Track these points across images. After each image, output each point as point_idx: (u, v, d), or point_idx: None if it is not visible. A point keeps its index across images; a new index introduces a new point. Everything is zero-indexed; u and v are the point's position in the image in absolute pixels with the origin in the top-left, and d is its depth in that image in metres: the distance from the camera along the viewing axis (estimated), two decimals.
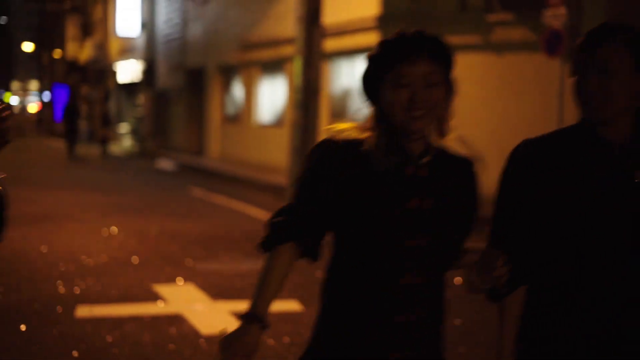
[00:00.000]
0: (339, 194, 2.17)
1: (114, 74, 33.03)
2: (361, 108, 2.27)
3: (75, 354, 5.22)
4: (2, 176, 3.24)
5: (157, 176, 19.39)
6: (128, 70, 30.81)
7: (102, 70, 34.96)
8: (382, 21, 13.83)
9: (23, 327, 5.76)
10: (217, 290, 6.89)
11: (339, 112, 15.95)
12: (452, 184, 2.27)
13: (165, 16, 26.95)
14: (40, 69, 55.47)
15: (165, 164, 22.49)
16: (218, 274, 7.59)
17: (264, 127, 19.98)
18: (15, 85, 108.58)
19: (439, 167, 2.26)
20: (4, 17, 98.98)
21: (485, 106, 13.05)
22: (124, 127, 31.46)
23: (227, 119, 22.67)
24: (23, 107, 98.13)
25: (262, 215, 11.44)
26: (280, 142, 16.95)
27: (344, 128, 2.23)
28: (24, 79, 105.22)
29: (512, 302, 2.35)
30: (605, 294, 2.21)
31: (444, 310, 2.30)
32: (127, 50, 31.16)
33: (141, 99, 29.41)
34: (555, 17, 11.10)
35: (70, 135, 24.83)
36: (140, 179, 18.44)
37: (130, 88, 31.39)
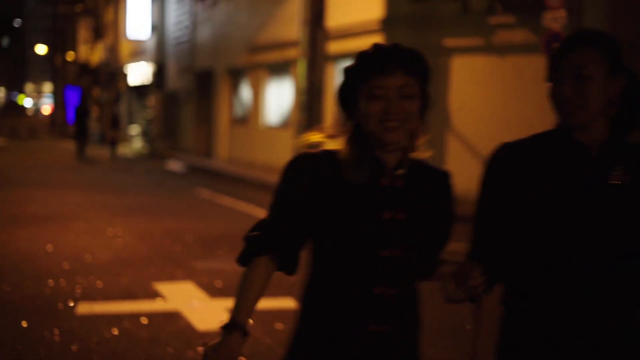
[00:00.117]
0: (315, 205, 2.19)
1: (124, 76, 33.28)
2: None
3: (74, 349, 5.38)
4: None
5: (165, 177, 19.59)
6: (139, 73, 31.06)
7: (113, 73, 35.24)
8: (386, 24, 13.97)
9: (24, 323, 5.94)
10: (216, 288, 7.05)
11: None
12: (427, 195, 2.28)
13: (175, 19, 27.18)
14: (54, 71, 55.86)
15: (175, 165, 22.70)
16: (218, 273, 7.75)
17: (271, 129, 20.15)
18: (29, 87, 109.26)
19: (414, 179, 2.27)
20: (18, 20, 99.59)
21: (487, 107, 13.16)
22: (134, 129, 31.70)
23: (235, 120, 22.86)
24: (37, 109, 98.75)
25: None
26: (287, 144, 17.11)
27: (319, 140, 2.29)
28: (38, 81, 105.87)
29: (488, 301, 2.34)
30: (584, 293, 2.24)
31: (418, 321, 2.32)
32: (137, 52, 31.42)
33: (151, 101, 29.65)
34: (554, 19, 11.23)
35: (80, 136, 25.11)
36: (149, 180, 18.64)
37: (140, 90, 31.64)
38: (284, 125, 19.27)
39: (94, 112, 36.15)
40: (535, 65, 12.30)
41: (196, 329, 5.89)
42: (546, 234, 2.24)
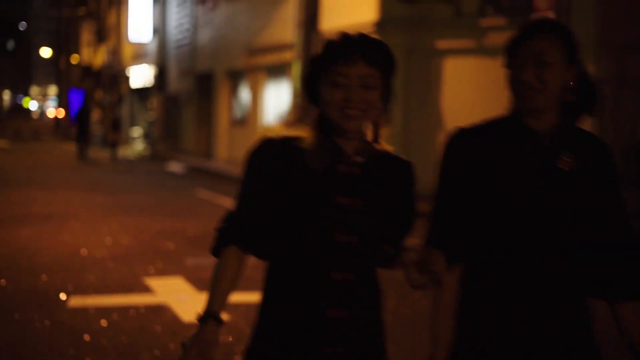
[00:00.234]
0: (275, 191, 2.22)
1: (127, 78, 33.55)
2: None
3: (65, 341, 5.59)
4: None
5: (165, 178, 19.81)
6: (140, 75, 31.31)
7: (115, 75, 35.51)
8: (380, 26, 14.18)
9: (17, 316, 6.16)
10: (204, 283, 7.27)
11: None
12: (386, 184, 2.30)
13: (176, 22, 27.43)
14: (58, 74, 56.19)
15: (175, 166, 22.94)
16: (207, 268, 7.92)
17: (270, 130, 20.40)
18: (34, 90, 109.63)
19: (374, 167, 2.29)
20: (23, 23, 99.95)
21: (478, 107, 13.34)
22: (136, 131, 31.95)
23: (234, 122, 23.09)
24: (42, 112, 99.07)
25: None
26: None
27: (280, 129, 2.46)
28: (43, 84, 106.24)
29: (448, 283, 2.38)
30: (535, 277, 2.30)
31: (379, 308, 2.33)
32: (139, 55, 31.68)
33: (153, 103, 29.89)
34: None
35: (81, 138, 25.38)
36: (149, 181, 18.86)
37: (142, 92, 31.89)
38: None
39: (97, 114, 36.42)
40: None
41: (182, 321, 6.11)
42: (499, 218, 2.30)
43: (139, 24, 30.10)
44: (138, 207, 13.24)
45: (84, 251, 8.90)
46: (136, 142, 31.24)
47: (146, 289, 7.16)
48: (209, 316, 2.20)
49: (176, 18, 27.48)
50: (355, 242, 2.21)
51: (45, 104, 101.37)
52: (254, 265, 2.57)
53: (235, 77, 22.96)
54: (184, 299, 6.78)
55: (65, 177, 19.01)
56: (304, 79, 2.31)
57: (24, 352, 5.32)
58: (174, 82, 27.67)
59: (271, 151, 2.26)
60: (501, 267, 2.31)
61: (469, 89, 13.47)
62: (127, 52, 33.73)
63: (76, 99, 39.27)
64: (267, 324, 2.27)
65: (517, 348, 2.31)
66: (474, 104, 13.34)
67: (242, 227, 2.26)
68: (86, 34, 43.53)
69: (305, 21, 13.11)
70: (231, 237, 2.27)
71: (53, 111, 65.49)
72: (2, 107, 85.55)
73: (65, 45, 50.16)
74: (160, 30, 28.98)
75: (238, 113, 22.99)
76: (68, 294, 6.85)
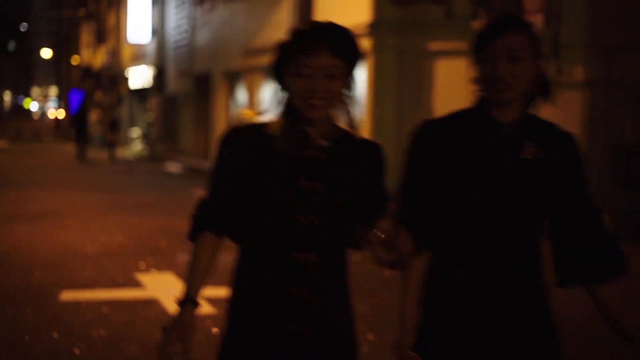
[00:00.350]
0: (244, 176, 2.29)
1: (126, 79, 33.72)
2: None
3: (55, 333, 5.75)
4: None
5: (163, 178, 19.98)
6: (139, 76, 31.48)
7: (115, 76, 35.68)
8: (373, 28, 14.34)
9: (10, 309, 6.33)
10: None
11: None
12: (354, 167, 2.36)
13: (175, 23, 27.59)
14: (59, 75, 56.38)
15: (173, 166, 23.11)
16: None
17: None
18: (35, 91, 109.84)
19: (340, 151, 2.35)
20: (24, 24, 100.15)
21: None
22: (135, 132, 32.12)
23: (232, 123, 23.26)
24: (43, 113, 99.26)
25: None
26: None
27: (250, 114, 2.58)
28: (44, 85, 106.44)
29: (415, 269, 2.43)
30: (500, 262, 2.36)
31: (345, 288, 2.40)
32: (138, 56, 31.84)
33: (152, 103, 30.07)
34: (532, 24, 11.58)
35: (80, 139, 25.56)
36: (146, 181, 19.03)
37: (141, 93, 32.05)
38: None
39: (97, 115, 36.59)
40: None
41: (170, 313, 6.28)
42: (464, 207, 2.36)
43: (137, 25, 30.27)
44: (134, 206, 13.41)
45: (78, 248, 9.08)
46: (135, 143, 31.42)
47: (137, 284, 7.33)
48: (186, 300, 2.28)
49: (175, 19, 27.65)
50: (317, 223, 2.27)
51: (46, 105, 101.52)
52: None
53: (232, 78, 23.13)
54: (173, 293, 6.94)
55: (63, 177, 19.19)
56: (273, 67, 2.35)
57: (16, 344, 5.48)
58: (173, 83, 27.84)
59: (239, 138, 2.33)
60: (466, 254, 2.38)
61: (460, 90, 13.58)
62: (126, 53, 33.90)
63: (76, 100, 39.45)
64: (238, 306, 2.35)
65: (480, 333, 2.37)
66: (464, 105, 13.49)
67: (215, 213, 2.33)
68: (86, 35, 43.71)
69: (299, 23, 13.27)
70: (205, 223, 2.34)
71: (54, 112, 65.64)
72: (3, 108, 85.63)
73: (65, 46, 50.35)
74: (159, 31, 29.15)
75: (235, 114, 23.16)
76: (60, 289, 7.02)
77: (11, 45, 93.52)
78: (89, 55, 42.38)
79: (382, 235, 2.22)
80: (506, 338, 2.38)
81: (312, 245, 2.29)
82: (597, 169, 12.35)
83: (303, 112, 2.27)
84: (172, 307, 6.43)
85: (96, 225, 10.89)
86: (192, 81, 25.62)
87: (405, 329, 2.42)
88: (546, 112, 8.40)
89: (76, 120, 26.34)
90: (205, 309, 6.01)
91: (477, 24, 13.44)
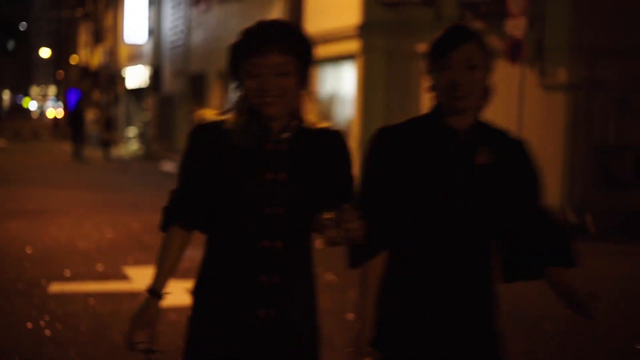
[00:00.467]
0: (209, 170, 2.38)
1: (123, 79, 33.97)
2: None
3: (42, 323, 6.00)
4: None
5: (157, 177, 20.22)
6: (136, 76, 31.73)
7: (112, 76, 35.93)
8: (363, 29, 14.60)
9: (0, 301, 6.59)
10: (179, 271, 7.66)
11: (326, 114, 16.70)
12: (315, 157, 2.43)
13: (171, 24, 27.85)
14: (57, 74, 56.64)
15: (168, 166, 23.34)
16: (185, 258, 8.37)
17: None
18: (34, 90, 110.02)
19: (301, 142, 2.42)
20: (24, 23, 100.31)
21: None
22: (132, 131, 32.38)
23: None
24: (42, 112, 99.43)
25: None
26: None
27: (212, 114, 2.44)
28: (43, 84, 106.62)
29: (374, 270, 2.50)
30: (454, 262, 2.45)
31: (310, 273, 2.48)
32: (135, 56, 32.10)
33: (148, 103, 30.31)
34: (516, 27, 11.78)
35: (76, 137, 25.84)
36: (141, 180, 19.28)
37: (138, 93, 32.30)
38: None
39: (94, 114, 36.83)
40: (501, 70, 12.87)
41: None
42: (421, 210, 2.44)
43: (134, 25, 30.53)
44: (127, 204, 13.66)
45: (69, 243, 9.35)
46: (131, 142, 31.66)
47: (124, 277, 7.59)
48: (152, 293, 2.45)
49: (171, 20, 27.90)
50: (282, 212, 2.35)
51: (45, 104, 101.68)
52: None
53: (226, 78, 23.29)
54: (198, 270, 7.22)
55: (59, 175, 19.44)
56: (228, 66, 2.41)
57: (5, 333, 5.73)
58: (169, 83, 28.10)
59: (204, 134, 2.42)
60: (423, 255, 2.46)
61: None
62: (123, 53, 34.15)
63: (74, 99, 39.68)
64: (208, 294, 2.43)
65: (435, 331, 2.46)
66: None
67: (183, 208, 2.45)
68: (84, 35, 43.97)
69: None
70: (174, 216, 2.47)
71: (53, 111, 65.88)
72: (2, 107, 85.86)
73: (64, 46, 50.58)
74: (155, 31, 29.40)
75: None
76: (50, 281, 7.29)
77: (10, 45, 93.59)
78: (87, 55, 42.64)
79: (330, 215, 2.28)
80: (458, 336, 2.48)
81: (279, 234, 2.37)
82: (580, 169, 12.60)
83: (259, 109, 2.35)
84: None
85: (88, 222, 11.15)
86: (187, 81, 25.87)
87: (365, 325, 2.48)
88: (530, 113, 9.00)
89: (72, 119, 26.62)
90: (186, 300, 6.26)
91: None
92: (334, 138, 2.49)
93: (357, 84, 14.85)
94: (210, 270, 2.45)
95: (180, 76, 26.48)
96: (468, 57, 2.41)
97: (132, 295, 6.84)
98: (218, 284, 2.41)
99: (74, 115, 26.75)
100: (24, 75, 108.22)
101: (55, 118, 54.52)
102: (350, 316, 6.09)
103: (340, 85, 16.16)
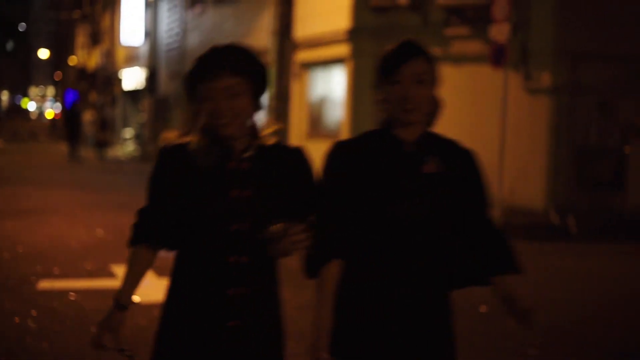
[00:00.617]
0: (176, 190, 2.49)
1: (119, 80, 34.21)
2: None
3: (29, 318, 6.24)
4: None
5: None
6: (133, 78, 31.97)
7: (109, 77, 36.17)
8: (352, 34, 14.87)
9: None
10: (163, 270, 7.90)
11: (317, 117, 16.97)
12: (278, 173, 2.52)
13: (167, 26, 28.09)
14: (56, 75, 56.89)
15: None
16: (168, 258, 8.62)
17: None
18: (33, 90, 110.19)
19: (263, 160, 2.51)
20: (23, 24, 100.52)
21: (443, 112, 14.01)
22: (128, 132, 32.62)
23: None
24: (40, 113, 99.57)
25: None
26: None
27: (176, 136, 2.55)
28: (42, 85, 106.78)
29: (330, 278, 2.56)
30: (406, 269, 2.53)
31: (275, 284, 2.58)
32: (131, 58, 32.33)
33: (144, 104, 30.55)
34: (500, 32, 12.01)
35: (72, 138, 26.11)
36: (135, 180, 19.45)
37: (134, 94, 32.53)
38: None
39: (91, 115, 37.06)
40: (487, 75, 13.12)
41: (136, 303, 6.78)
42: (373, 219, 2.53)
43: (131, 27, 30.78)
44: (119, 204, 13.90)
45: (60, 241, 9.62)
46: (128, 143, 31.91)
47: (110, 274, 7.86)
48: (116, 304, 2.59)
49: (167, 22, 28.15)
50: (247, 228, 2.45)
51: (44, 105, 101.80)
52: None
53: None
54: (143, 283, 7.46)
55: (54, 176, 19.66)
56: (184, 91, 2.53)
57: None
58: (164, 85, 28.34)
59: (169, 157, 2.53)
60: (376, 262, 2.54)
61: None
62: (120, 55, 34.39)
63: (71, 100, 39.87)
64: (176, 306, 2.54)
65: (390, 338, 2.54)
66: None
67: (150, 228, 2.56)
68: (81, 37, 44.22)
69: (280, 29, 13.81)
70: (141, 236, 2.57)
71: (51, 112, 66.12)
72: (1, 108, 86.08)
73: (62, 47, 50.82)
74: (151, 34, 29.64)
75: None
76: (39, 278, 7.55)
77: (9, 45, 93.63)
78: (84, 57, 42.89)
79: (277, 228, 2.39)
80: (413, 341, 2.56)
81: (245, 249, 2.47)
82: (563, 171, 12.87)
83: (216, 130, 2.45)
84: (140, 296, 6.93)
85: (80, 221, 11.41)
86: (182, 83, 26.08)
87: (321, 332, 2.53)
88: (514, 116, 9.40)
89: (68, 119, 26.90)
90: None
91: (452, 31, 13.94)
92: (295, 155, 2.58)
93: (347, 87, 15.11)
94: (179, 285, 2.55)
95: (176, 78, 26.71)
96: (417, 72, 2.51)
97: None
98: (187, 298, 2.51)
99: (69, 115, 27.02)
100: (23, 76, 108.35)
101: (53, 119, 54.73)
102: None
103: (330, 88, 16.42)
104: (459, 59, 13.87)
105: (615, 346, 6.04)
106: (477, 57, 13.46)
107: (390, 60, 2.54)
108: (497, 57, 12.07)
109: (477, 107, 13.59)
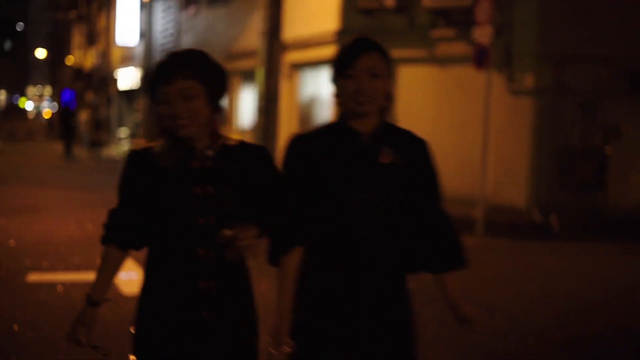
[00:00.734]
0: (143, 191, 2.60)
1: (115, 80, 34.44)
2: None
3: (17, 309, 6.51)
4: None
5: None
6: (128, 78, 32.20)
7: (105, 77, 36.38)
8: (340, 35, 15.11)
9: None
10: None
11: (306, 117, 17.21)
12: (240, 170, 2.60)
13: (162, 27, 28.32)
14: (53, 75, 57.07)
15: None
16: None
17: (244, 132, 21.29)
18: (31, 90, 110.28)
19: (226, 158, 2.59)
20: (21, 24, 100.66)
21: (429, 112, 14.22)
22: (123, 132, 32.85)
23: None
24: (38, 112, 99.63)
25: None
26: None
27: (144, 142, 2.72)
28: (40, 85, 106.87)
29: (291, 266, 2.65)
30: (364, 255, 2.62)
31: (246, 277, 2.65)
32: (127, 58, 32.55)
33: (139, 104, 30.78)
34: (483, 34, 12.22)
35: (66, 137, 26.35)
36: None
37: (130, 94, 32.74)
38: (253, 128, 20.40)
39: (86, 115, 37.25)
40: (471, 76, 13.34)
41: (122, 294, 7.06)
42: (331, 208, 2.62)
43: (126, 28, 31.02)
44: (110, 202, 14.07)
45: (50, 237, 9.89)
46: (123, 143, 32.14)
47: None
48: (88, 300, 2.66)
49: (161, 23, 28.37)
50: (214, 223, 2.52)
51: (41, 105, 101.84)
52: None
53: None
54: (128, 276, 7.74)
55: (49, 174, 19.88)
56: (149, 96, 2.64)
57: None
58: None
59: (136, 160, 2.65)
60: (335, 250, 2.63)
61: (421, 95, 14.36)
62: (115, 55, 34.60)
63: (66, 100, 40.02)
64: (150, 299, 2.62)
65: (349, 324, 2.63)
66: (424, 110, 14.24)
67: (119, 229, 2.66)
68: (77, 37, 44.43)
69: (269, 30, 14.07)
70: (111, 237, 2.67)
71: (49, 112, 66.27)
72: None
73: (59, 47, 51.00)
74: (146, 34, 29.86)
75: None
76: (29, 271, 7.82)
77: (7, 45, 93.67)
78: (81, 57, 43.10)
79: (229, 232, 2.49)
80: (371, 328, 2.65)
81: (213, 243, 2.53)
82: (546, 170, 13.11)
83: (175, 132, 2.54)
84: (125, 288, 7.22)
85: (70, 218, 11.67)
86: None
87: (282, 317, 2.64)
88: (498, 117, 9.76)
89: (63, 119, 27.14)
90: None
91: (437, 33, 14.17)
92: (258, 152, 2.66)
93: None
94: (152, 279, 2.63)
95: None
96: (371, 66, 2.60)
97: None
98: (160, 291, 2.59)
99: (64, 115, 27.27)
100: (21, 76, 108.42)
101: (50, 118, 54.85)
102: None
103: (319, 89, 16.66)
104: (445, 61, 14.11)
105: (597, 344, 6.11)
106: (462, 59, 13.67)
107: (345, 55, 2.64)
108: (480, 58, 12.27)
109: (462, 107, 13.82)
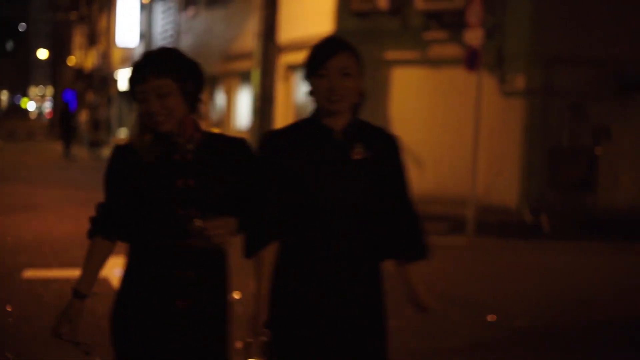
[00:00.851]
0: (126, 186, 2.67)
1: (115, 81, 34.61)
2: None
3: (11, 305, 6.69)
4: None
5: None
6: (128, 78, 32.34)
7: (105, 78, 36.53)
8: None
9: None
10: None
11: (302, 118, 17.35)
12: (221, 162, 2.68)
13: (161, 28, 28.49)
14: (54, 75, 57.21)
15: None
16: None
17: (242, 133, 21.48)
18: (32, 90, 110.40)
19: (207, 151, 2.68)
20: (23, 24, 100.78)
21: (422, 114, 14.40)
22: (123, 132, 33.01)
23: (211, 125, 24.18)
24: (40, 112, 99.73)
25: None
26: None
27: (128, 139, 2.76)
28: (42, 85, 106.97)
29: (267, 258, 2.72)
30: (337, 247, 2.69)
31: (223, 267, 2.73)
32: (127, 59, 32.71)
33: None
34: (474, 37, 12.38)
35: (66, 137, 26.52)
36: None
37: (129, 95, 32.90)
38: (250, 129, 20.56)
39: (86, 115, 37.42)
40: (464, 77, 13.51)
41: (114, 289, 7.25)
42: (305, 202, 2.69)
43: (126, 29, 31.20)
44: None
45: (46, 234, 10.12)
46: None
47: None
48: (75, 293, 2.75)
49: (161, 24, 28.54)
50: (193, 213, 2.60)
51: (43, 105, 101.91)
52: None
53: (212, 82, 24.03)
54: (120, 273, 7.94)
55: (48, 174, 20.06)
56: (129, 94, 2.72)
57: None
58: None
59: (120, 155, 2.73)
60: (309, 244, 2.70)
61: (414, 96, 14.53)
62: (116, 55, 34.76)
63: (67, 100, 40.17)
64: (128, 288, 2.75)
65: (323, 314, 2.70)
66: (417, 111, 14.41)
67: (105, 221, 2.74)
68: (78, 38, 44.58)
69: (264, 32, 14.22)
70: (98, 229, 2.76)
71: (51, 112, 66.37)
72: (0, 108, 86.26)
73: (60, 48, 51.15)
74: (146, 35, 30.04)
75: (214, 116, 24.07)
76: (25, 268, 8.02)
77: (9, 45, 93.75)
78: (81, 57, 43.25)
79: (200, 223, 2.58)
80: (344, 319, 2.72)
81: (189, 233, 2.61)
82: (536, 170, 13.29)
83: (155, 128, 2.63)
84: (116, 283, 7.41)
85: (67, 216, 11.86)
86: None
87: (259, 308, 2.71)
88: (489, 118, 10.00)
89: (62, 119, 27.32)
90: None
91: (430, 35, 14.34)
92: (238, 145, 2.75)
93: None
94: (131, 269, 2.74)
95: None
96: (343, 66, 2.67)
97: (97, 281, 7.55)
98: (138, 280, 2.70)
99: (63, 115, 27.45)
100: (23, 76, 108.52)
101: (50, 118, 54.96)
102: None
103: None
104: (437, 62, 14.28)
105: (587, 341, 6.15)
106: (455, 61, 13.82)
107: (317, 56, 2.70)
108: (471, 61, 12.43)
109: (455, 108, 13.98)
